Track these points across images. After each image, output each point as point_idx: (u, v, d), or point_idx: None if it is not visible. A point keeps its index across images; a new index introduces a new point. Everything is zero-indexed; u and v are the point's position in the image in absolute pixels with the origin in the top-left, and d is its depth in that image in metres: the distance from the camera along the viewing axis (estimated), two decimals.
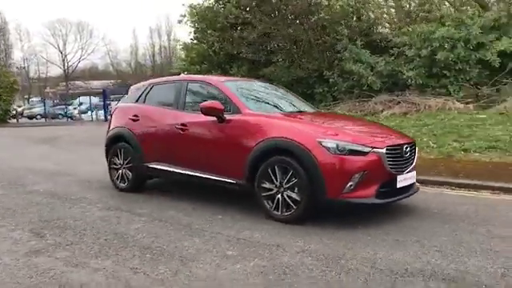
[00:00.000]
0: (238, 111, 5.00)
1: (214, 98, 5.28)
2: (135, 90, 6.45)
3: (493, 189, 6.19)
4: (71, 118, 33.49)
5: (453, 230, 4.21)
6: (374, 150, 4.29)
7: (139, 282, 3.26)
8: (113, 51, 59.63)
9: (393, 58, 15.41)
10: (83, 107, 35.67)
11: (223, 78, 5.82)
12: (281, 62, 17.26)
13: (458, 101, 12.89)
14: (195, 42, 19.47)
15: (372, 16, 17.68)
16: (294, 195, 4.41)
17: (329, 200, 4.27)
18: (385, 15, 18.34)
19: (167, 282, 3.24)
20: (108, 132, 6.45)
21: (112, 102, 29.97)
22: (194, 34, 19.26)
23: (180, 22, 19.91)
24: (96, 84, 52.28)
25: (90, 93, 40.75)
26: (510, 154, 7.75)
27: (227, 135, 4.97)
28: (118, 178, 6.24)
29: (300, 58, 17.20)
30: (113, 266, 3.54)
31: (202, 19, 18.39)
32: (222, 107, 4.97)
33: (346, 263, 3.43)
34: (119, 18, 76.68)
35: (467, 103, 12.75)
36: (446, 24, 14.50)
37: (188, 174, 5.35)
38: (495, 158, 7.66)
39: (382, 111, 13.25)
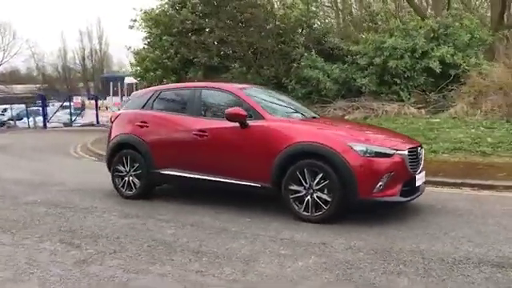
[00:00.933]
0: (260, 117, 5.20)
1: (232, 104, 5.43)
2: (139, 96, 6.43)
3: (471, 185, 6.88)
4: (1, 125, 31.28)
5: (467, 223, 4.71)
6: (398, 152, 4.70)
7: (215, 282, 3.37)
8: (38, 54, 56.27)
9: (346, 65, 16.26)
10: (12, 113, 33.14)
11: (238, 86, 5.98)
12: (238, 69, 17.52)
13: (412, 106, 13.87)
14: (148, 47, 19.20)
15: (322, 26, 18.50)
16: (324, 196, 4.69)
17: (360, 200, 4.61)
18: (334, 26, 19.17)
19: (242, 281, 3.38)
20: (110, 140, 6.35)
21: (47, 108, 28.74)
22: (148, 39, 18.99)
23: (132, 27, 19.56)
24: (20, 88, 49.07)
25: (11, 98, 37.09)
26: (474, 154, 8.58)
27: (252, 140, 5.15)
28: (123, 186, 6.17)
29: (258, 64, 17.57)
30: (176, 271, 3.61)
31: (156, 24, 18.19)
32: (246, 113, 5.15)
33: (398, 256, 3.77)
34: (45, 20, 72.69)
35: (419, 108, 13.77)
36: (395, 35, 15.55)
37: (208, 180, 5.45)
38: (462, 158, 8.44)
39: (343, 116, 13.93)
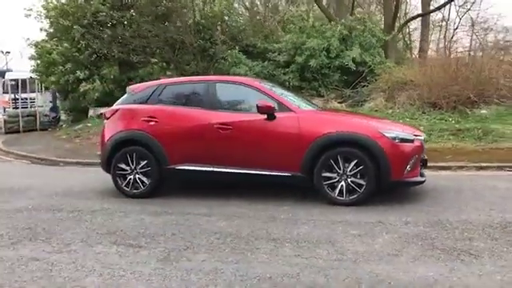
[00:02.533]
0: (286, 109, 5.40)
1: (252, 98, 5.55)
2: (138, 91, 6.11)
3: (429, 168, 7.88)
4: None
5: (471, 196, 5.47)
6: (417, 137, 5.29)
7: (321, 263, 3.55)
8: None
9: (266, 62, 16.91)
10: None
11: (255, 80, 6.04)
12: (159, 64, 17.09)
13: (333, 100, 15.02)
14: (53, 40, 17.67)
15: (238, 23, 18.90)
16: (359, 181, 5.10)
17: (392, 182, 5.11)
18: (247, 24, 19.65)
19: (347, 259, 3.62)
20: (108, 137, 5.96)
21: None
22: (53, 30, 17.48)
23: (28, 16, 17.83)
24: None
25: None
26: None
27: (281, 131, 5.32)
28: (127, 185, 5.86)
29: (176, 59, 17.33)
30: (273, 257, 3.70)
31: (63, 14, 16.82)
32: (274, 106, 5.32)
33: (453, 225, 4.33)
34: None
35: (340, 103, 14.96)
36: (313, 35, 16.63)
37: (232, 173, 5.48)
38: None
39: None
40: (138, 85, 6.37)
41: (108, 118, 6.10)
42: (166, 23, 17.62)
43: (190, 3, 17.24)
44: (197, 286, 3.23)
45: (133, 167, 5.83)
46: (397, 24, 20.15)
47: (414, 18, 20.91)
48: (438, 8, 19.78)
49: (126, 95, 6.28)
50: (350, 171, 5.11)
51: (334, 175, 5.17)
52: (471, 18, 24.21)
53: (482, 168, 7.50)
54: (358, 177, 5.10)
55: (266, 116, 5.35)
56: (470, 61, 13.21)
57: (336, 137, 5.15)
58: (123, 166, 5.86)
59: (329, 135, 5.15)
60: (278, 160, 5.33)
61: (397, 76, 14.67)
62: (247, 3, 22.70)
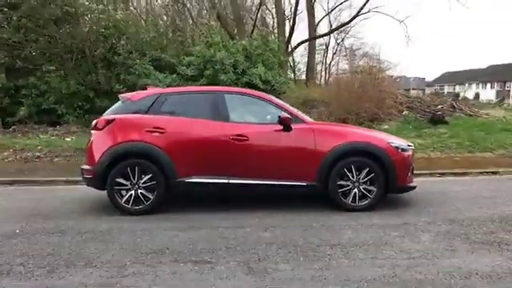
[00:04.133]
0: (299, 121, 5.60)
1: (263, 109, 5.65)
2: (139, 99, 5.66)
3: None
4: None
5: (465, 198, 6.26)
6: (410, 147, 5.93)
7: (394, 261, 3.86)
8: None
9: (175, 75, 16.67)
10: None
11: (257, 92, 6.06)
12: (56, 72, 15.57)
13: None
14: None
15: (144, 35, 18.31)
16: (370, 188, 5.52)
17: (398, 187, 5.63)
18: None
19: (418, 258, 3.97)
20: (103, 150, 5.40)
21: None
22: None
23: None
24: None
25: None
26: None
27: (297, 142, 5.48)
28: (127, 202, 5.40)
29: (74, 68, 16.04)
30: (349, 261, 3.87)
31: None
32: (291, 118, 5.49)
33: (465, 222, 4.99)
34: None
35: None
36: (219, 49, 16.92)
37: (251, 184, 5.44)
38: None
39: None
40: (135, 93, 5.90)
41: (101, 129, 5.54)
42: (62, 29, 16.22)
43: (88, 10, 16.17)
44: (345, 282, 3.28)
45: (134, 182, 5.39)
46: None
47: (303, 42, 22.69)
48: (322, 35, 21.97)
49: (119, 104, 5.78)
50: (362, 179, 5.50)
51: (348, 183, 5.51)
52: (345, 47, 27.27)
53: None
54: (369, 184, 5.52)
55: (281, 127, 5.47)
56: (370, 80, 14.84)
57: (350, 147, 5.50)
58: (122, 180, 5.39)
59: (344, 145, 5.48)
60: (294, 170, 5.47)
61: (303, 94, 15.77)
62: (152, 16, 22.03)
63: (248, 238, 4.54)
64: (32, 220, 5.29)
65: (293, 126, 5.51)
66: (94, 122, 5.69)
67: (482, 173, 9.03)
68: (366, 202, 5.52)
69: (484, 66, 67.82)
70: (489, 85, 68.10)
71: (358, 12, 21.22)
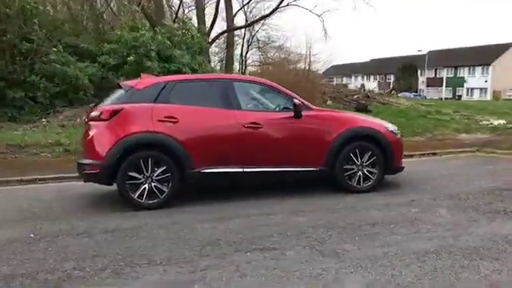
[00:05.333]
0: (306, 108, 5.74)
1: (270, 97, 5.71)
2: (144, 88, 5.30)
3: None
4: None
5: (445, 176, 6.94)
6: (398, 131, 6.41)
7: (446, 233, 4.25)
8: None
9: (96, 64, 15.65)
10: None
11: (267, 80, 6.00)
12: None
13: None
14: None
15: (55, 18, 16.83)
16: (372, 170, 5.88)
17: (395, 168, 6.06)
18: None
19: (454, 229, 4.39)
20: (111, 142, 5.01)
21: None
22: None
23: None
24: None
25: None
26: None
27: (308, 129, 5.63)
28: (141, 196, 5.10)
29: None
30: (411, 236, 4.16)
31: None
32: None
33: (464, 196, 5.56)
34: None
35: None
36: (144, 35, 16.18)
37: (265, 171, 5.46)
38: None
39: None
40: (138, 81, 5.51)
41: (106, 120, 5.11)
42: None
43: None
44: (403, 264, 3.47)
45: (147, 175, 5.10)
46: None
47: (222, 33, 22.70)
48: (240, 27, 22.23)
49: (121, 92, 5.37)
50: (366, 162, 5.84)
51: (353, 166, 5.80)
52: (257, 39, 27.83)
53: None
54: (371, 166, 5.88)
55: (292, 114, 5.57)
56: (303, 73, 15.44)
57: (355, 132, 5.80)
58: (135, 174, 5.07)
59: (350, 130, 5.75)
60: (305, 156, 5.62)
61: None
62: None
63: (288, 223, 4.60)
64: (37, 222, 4.75)
65: (303, 113, 5.64)
66: (96, 112, 5.24)
67: (423, 154, 10.00)
68: (369, 183, 5.87)
69: (367, 59, 73.77)
70: (372, 77, 74.46)
71: (279, 5, 21.84)
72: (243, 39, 27.68)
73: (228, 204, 5.36)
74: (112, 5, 19.46)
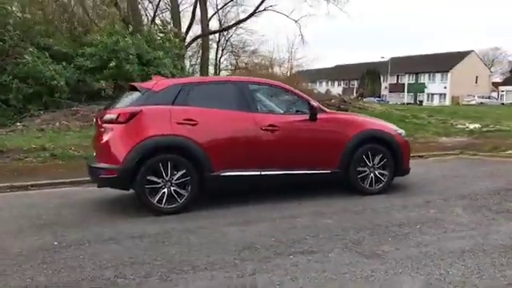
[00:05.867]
0: (320, 111, 5.76)
1: (285, 99, 5.70)
2: (161, 90, 5.17)
3: None
4: None
5: (446, 177, 7.12)
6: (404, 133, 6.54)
7: (472, 232, 4.35)
8: None
9: (72, 66, 15.18)
10: None
11: (281, 83, 5.96)
12: None
13: None
14: None
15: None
16: (383, 172, 5.97)
17: (404, 170, 6.17)
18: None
19: (478, 229, 4.50)
20: (131, 145, 4.86)
21: None
22: None
23: None
24: None
25: None
26: None
27: (323, 131, 5.65)
28: (160, 200, 4.96)
29: None
30: (441, 235, 4.23)
31: None
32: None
33: (474, 197, 5.70)
34: None
35: None
36: (124, 39, 15.87)
37: (281, 174, 5.44)
38: None
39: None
40: (154, 83, 5.36)
41: (124, 123, 4.95)
42: None
43: None
44: (446, 263, 3.53)
45: (166, 179, 4.98)
46: None
47: (197, 37, 22.53)
48: (215, 32, 22.16)
49: (137, 94, 5.22)
50: (378, 164, 5.92)
51: (365, 169, 5.87)
52: (231, 43, 27.81)
53: None
54: (382, 168, 5.96)
55: (307, 117, 5.58)
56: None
57: (368, 135, 5.87)
58: (154, 178, 4.93)
59: (364, 132, 5.83)
60: (320, 159, 5.64)
61: None
62: None
63: (316, 225, 4.60)
64: (54, 230, 4.54)
65: (318, 115, 5.66)
66: (112, 115, 5.06)
67: (412, 157, 10.22)
68: (381, 185, 5.95)
69: (332, 65, 75.09)
70: (336, 82, 75.94)
71: (256, 9, 21.91)
72: (217, 43, 27.59)
73: (247, 207, 5.29)
74: (88, 8, 18.90)
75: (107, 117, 5.11)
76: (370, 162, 5.86)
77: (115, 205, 5.57)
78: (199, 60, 25.14)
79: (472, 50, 63.15)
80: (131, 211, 5.16)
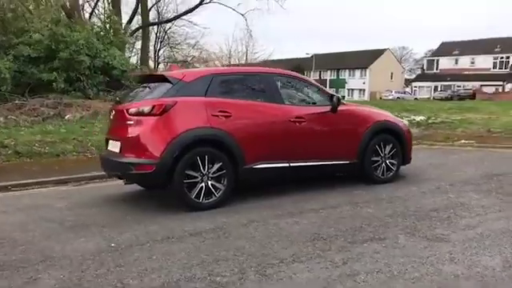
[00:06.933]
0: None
1: (308, 92, 5.79)
2: (192, 81, 4.94)
3: None
4: None
5: (444, 165, 7.52)
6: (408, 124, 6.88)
7: (499, 214, 4.72)
8: None
9: (11, 56, 13.93)
10: None
11: (301, 75, 5.92)
12: None
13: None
14: None
15: None
16: (393, 161, 6.25)
17: (408, 159, 6.49)
18: None
19: (501, 211, 4.90)
20: (168, 139, 4.63)
21: None
22: None
23: None
24: None
25: None
26: None
27: (343, 123, 5.79)
28: (198, 196, 4.79)
29: None
30: (477, 220, 4.54)
31: None
32: None
33: (474, 182, 6.16)
34: None
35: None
36: (73, 31, 14.90)
37: (308, 166, 5.49)
38: None
39: (64, 116, 12.30)
40: (184, 73, 5.10)
41: (158, 115, 4.67)
42: None
43: None
44: (508, 242, 3.83)
45: (204, 172, 4.81)
46: None
47: (138, 29, 21.61)
48: (154, 23, 21.35)
49: (166, 85, 4.94)
50: (388, 153, 6.18)
51: (378, 158, 6.11)
52: (168, 36, 27.03)
53: None
54: (391, 158, 6.24)
55: (329, 109, 5.68)
56: None
57: (381, 126, 6.11)
58: (192, 172, 4.74)
59: (377, 124, 6.06)
60: (341, 149, 5.78)
61: None
62: None
63: (361, 215, 4.71)
64: (94, 231, 4.21)
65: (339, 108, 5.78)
66: (145, 107, 4.75)
67: None
68: (391, 173, 6.23)
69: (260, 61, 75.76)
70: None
71: (201, 1, 21.49)
72: (156, 35, 26.70)
73: (281, 199, 5.28)
74: None
75: (138, 109, 4.80)
76: (381, 151, 6.10)
77: (132, 202, 5.26)
78: (135, 51, 24.29)
79: (387, 48, 67.26)
80: (158, 208, 4.94)
